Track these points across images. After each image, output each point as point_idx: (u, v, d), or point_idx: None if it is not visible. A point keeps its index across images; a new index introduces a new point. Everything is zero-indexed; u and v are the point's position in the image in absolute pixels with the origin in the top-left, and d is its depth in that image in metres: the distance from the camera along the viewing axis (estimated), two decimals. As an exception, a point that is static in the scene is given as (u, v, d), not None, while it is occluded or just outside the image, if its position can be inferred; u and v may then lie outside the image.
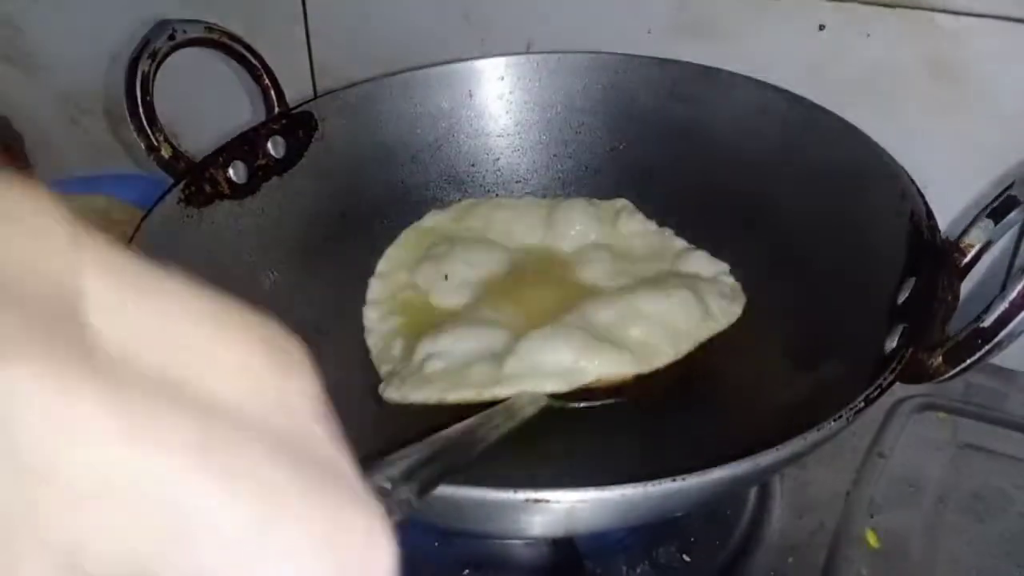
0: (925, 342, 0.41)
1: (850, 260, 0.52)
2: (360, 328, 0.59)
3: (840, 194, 0.54)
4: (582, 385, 0.50)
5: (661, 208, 0.63)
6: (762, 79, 0.59)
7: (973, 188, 0.60)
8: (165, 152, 0.56)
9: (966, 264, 0.46)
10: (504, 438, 0.39)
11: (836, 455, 0.55)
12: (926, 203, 0.48)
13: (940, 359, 0.41)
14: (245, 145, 0.58)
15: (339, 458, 0.16)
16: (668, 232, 0.62)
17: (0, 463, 0.12)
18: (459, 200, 0.66)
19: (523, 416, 0.44)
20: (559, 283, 0.58)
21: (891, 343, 0.44)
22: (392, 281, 0.61)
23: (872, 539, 0.51)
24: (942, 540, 0.51)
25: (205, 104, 0.79)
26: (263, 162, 0.59)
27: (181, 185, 0.54)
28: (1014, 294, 0.38)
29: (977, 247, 0.46)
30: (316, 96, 0.64)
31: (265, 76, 0.62)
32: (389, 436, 0.30)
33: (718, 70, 0.61)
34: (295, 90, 0.67)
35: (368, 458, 0.22)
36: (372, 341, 0.57)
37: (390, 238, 0.63)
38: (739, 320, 0.55)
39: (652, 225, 0.63)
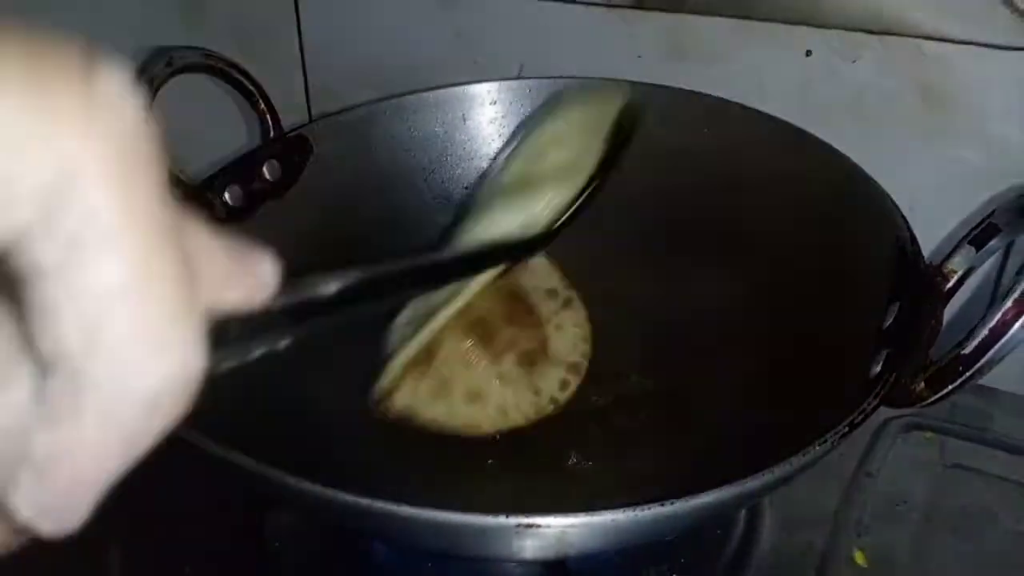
0: (909, 368, 0.42)
1: (834, 285, 0.53)
2: (354, 348, 0.59)
3: (825, 219, 0.55)
4: None
5: (648, 232, 0.63)
6: (749, 104, 0.60)
7: (958, 213, 0.61)
8: (162, 176, 0.57)
9: (949, 289, 0.46)
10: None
11: (824, 475, 0.55)
12: (910, 228, 0.49)
13: (923, 384, 0.41)
14: (241, 169, 0.59)
15: None
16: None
17: None
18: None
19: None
20: None
21: (875, 368, 0.44)
22: None
23: (860, 558, 0.51)
24: (929, 559, 0.52)
25: (202, 129, 0.80)
26: (259, 186, 0.60)
27: (178, 209, 0.55)
28: (994, 321, 0.39)
29: (959, 273, 0.46)
30: (311, 120, 0.65)
31: (261, 101, 0.63)
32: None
33: (706, 96, 0.62)
34: (290, 115, 0.68)
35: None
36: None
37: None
38: (723, 344, 0.56)
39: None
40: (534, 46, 0.72)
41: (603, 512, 0.36)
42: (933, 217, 0.59)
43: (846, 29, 0.61)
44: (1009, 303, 0.39)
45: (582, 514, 0.35)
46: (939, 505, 0.55)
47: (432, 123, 0.66)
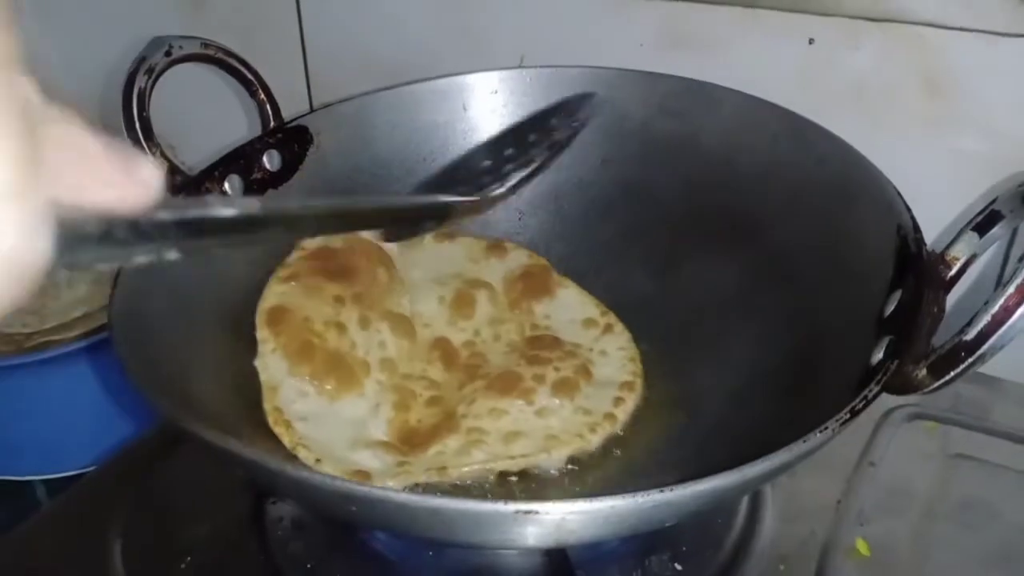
0: (910, 355, 0.42)
1: (837, 272, 0.53)
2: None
3: (828, 207, 0.55)
4: None
5: (649, 221, 0.63)
6: (752, 92, 0.60)
7: (960, 201, 0.61)
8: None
9: (951, 277, 0.46)
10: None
11: (827, 465, 0.55)
12: (912, 216, 0.49)
13: (925, 371, 0.41)
14: (241, 159, 0.59)
15: None
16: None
17: None
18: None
19: None
20: None
21: (877, 355, 0.44)
22: None
23: (862, 547, 0.51)
24: (931, 549, 0.52)
25: (202, 119, 0.80)
26: (258, 175, 0.60)
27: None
28: (996, 308, 0.39)
29: (962, 260, 0.46)
30: (312, 110, 0.65)
31: (260, 91, 0.63)
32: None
33: (708, 84, 0.61)
34: (292, 104, 0.68)
35: None
36: None
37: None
38: (725, 331, 0.56)
39: None
40: (535, 35, 0.71)
41: (602, 498, 0.35)
42: (935, 205, 0.58)
43: (848, 17, 0.61)
44: (1011, 290, 0.39)
45: (581, 500, 0.35)
46: (941, 495, 0.55)
47: (433, 113, 0.65)
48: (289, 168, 0.61)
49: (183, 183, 0.57)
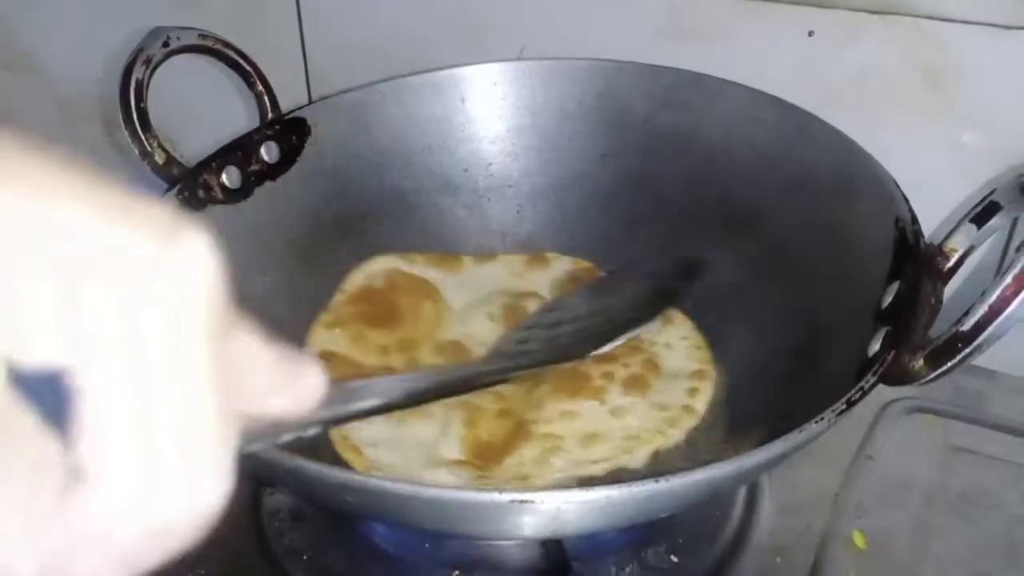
0: (908, 345, 0.42)
1: (836, 264, 0.53)
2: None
3: (827, 199, 0.55)
4: None
5: (651, 212, 0.63)
6: (752, 85, 0.60)
7: (959, 193, 0.61)
8: (159, 158, 0.57)
9: (949, 268, 0.46)
10: None
11: (825, 456, 0.55)
12: (911, 208, 0.49)
13: (922, 362, 0.41)
14: (239, 151, 0.59)
15: None
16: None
17: None
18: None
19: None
20: None
21: (874, 346, 0.44)
22: None
23: (860, 540, 0.51)
24: (930, 541, 0.52)
25: (200, 110, 0.80)
26: (256, 167, 0.60)
27: (175, 190, 0.55)
28: (993, 298, 0.39)
29: (960, 251, 0.46)
30: (310, 102, 0.65)
31: (258, 82, 0.63)
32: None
33: (709, 77, 0.61)
34: (290, 96, 0.67)
35: None
36: None
37: (383, 243, 0.64)
38: (723, 322, 0.56)
39: None
40: (535, 27, 0.71)
41: (598, 488, 0.35)
42: (934, 197, 0.58)
43: (848, 9, 0.61)
44: (1008, 279, 0.39)
45: (577, 490, 0.35)
46: (940, 487, 0.55)
47: (431, 105, 0.65)
48: (287, 160, 0.61)
49: (180, 175, 0.57)
